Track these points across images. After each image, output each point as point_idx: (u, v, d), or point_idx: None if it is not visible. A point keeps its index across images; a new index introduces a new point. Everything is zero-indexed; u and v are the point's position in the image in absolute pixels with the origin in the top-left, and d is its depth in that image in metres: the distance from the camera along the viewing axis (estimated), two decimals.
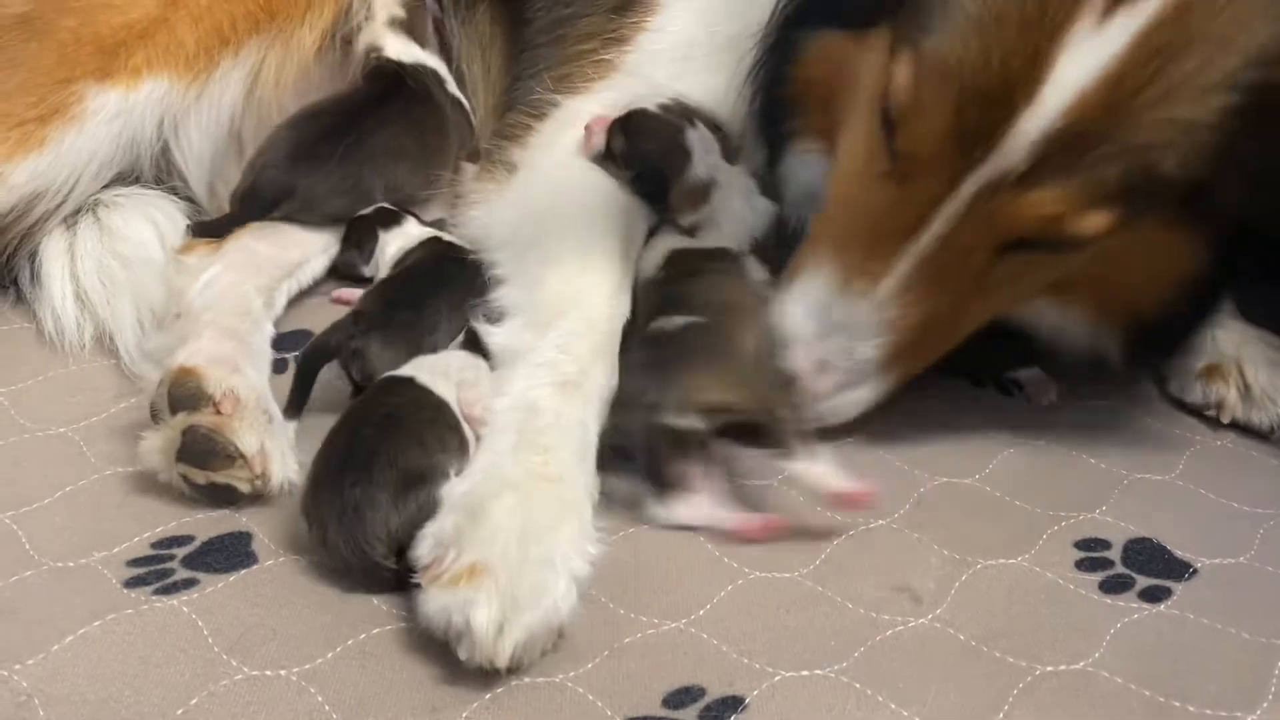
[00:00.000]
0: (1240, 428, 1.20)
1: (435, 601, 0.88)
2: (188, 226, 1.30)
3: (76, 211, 1.30)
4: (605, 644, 0.92)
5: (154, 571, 0.95)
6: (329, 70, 1.42)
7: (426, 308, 1.15)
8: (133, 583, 0.94)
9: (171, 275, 1.25)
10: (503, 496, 0.95)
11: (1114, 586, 1.00)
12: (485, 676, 0.87)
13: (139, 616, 0.91)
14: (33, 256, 1.29)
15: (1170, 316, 1.10)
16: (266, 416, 1.06)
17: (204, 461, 1.00)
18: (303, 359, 1.12)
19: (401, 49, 1.40)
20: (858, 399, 1.07)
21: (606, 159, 1.20)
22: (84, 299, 1.25)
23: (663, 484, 1.03)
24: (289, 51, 1.37)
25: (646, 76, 1.27)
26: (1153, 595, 0.99)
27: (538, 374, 1.06)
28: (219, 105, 1.34)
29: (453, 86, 1.43)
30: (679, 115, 1.20)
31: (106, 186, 1.33)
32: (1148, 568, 1.02)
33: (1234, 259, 1.07)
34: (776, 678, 0.90)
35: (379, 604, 0.94)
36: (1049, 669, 0.91)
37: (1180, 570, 1.02)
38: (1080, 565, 1.02)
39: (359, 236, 1.29)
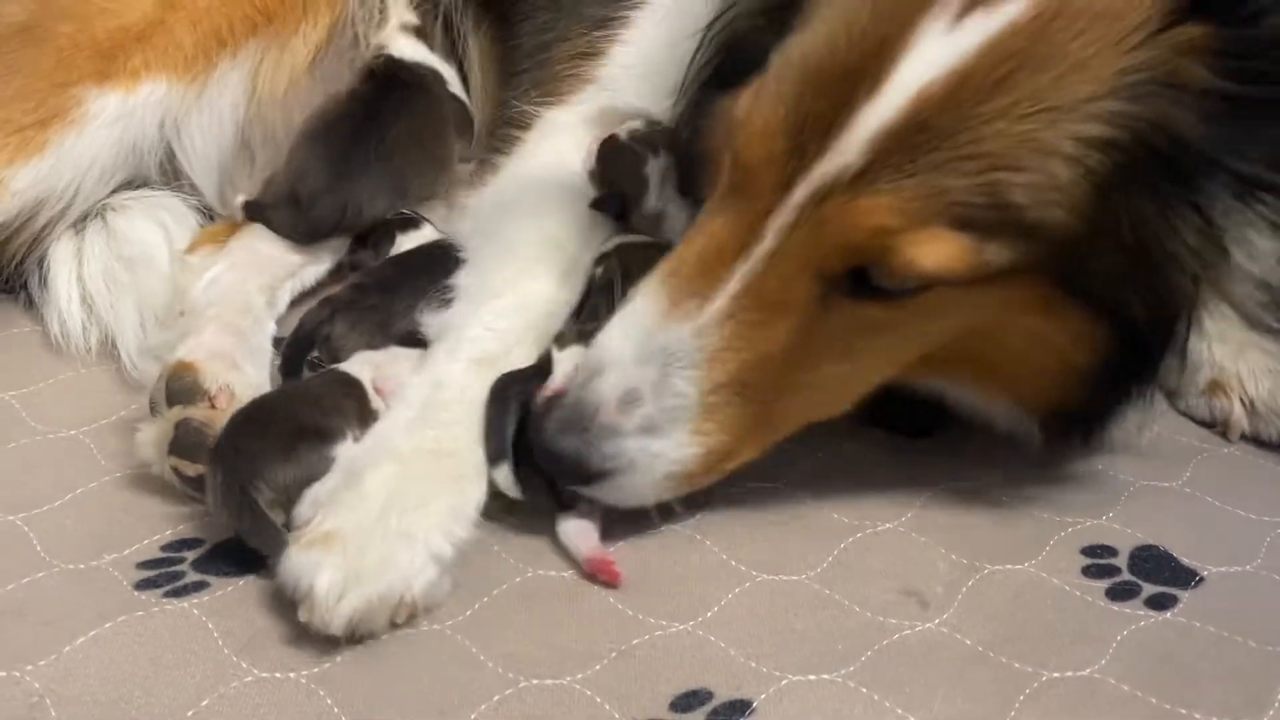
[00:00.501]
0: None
1: (290, 560, 0.90)
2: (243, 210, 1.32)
3: (85, 216, 1.32)
4: (612, 645, 0.92)
5: (164, 574, 0.96)
6: (328, 76, 1.43)
7: (397, 292, 1.17)
8: (143, 585, 0.95)
9: (177, 273, 1.27)
10: (382, 466, 0.96)
11: (1120, 593, 1.00)
12: (494, 679, 0.88)
13: (149, 618, 0.92)
14: (41, 261, 1.30)
15: (1088, 399, 1.02)
16: None
17: (194, 454, 1.01)
18: (285, 351, 1.16)
19: (409, 50, 1.43)
20: (659, 454, 0.95)
21: (590, 176, 1.24)
22: (89, 302, 1.27)
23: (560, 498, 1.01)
24: (286, 55, 1.39)
25: (618, 91, 1.29)
26: (1159, 603, 0.99)
27: (458, 349, 1.07)
28: (220, 106, 1.36)
29: (454, 87, 1.45)
30: (644, 144, 1.20)
31: (115, 191, 1.34)
32: (1154, 575, 1.02)
33: (1148, 346, 0.98)
34: (784, 681, 0.90)
35: None
36: (1055, 675, 0.91)
37: (1187, 578, 1.02)
38: (1087, 572, 1.02)
39: (377, 238, 1.31)
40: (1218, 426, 1.21)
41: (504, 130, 1.35)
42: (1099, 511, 1.09)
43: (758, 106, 0.92)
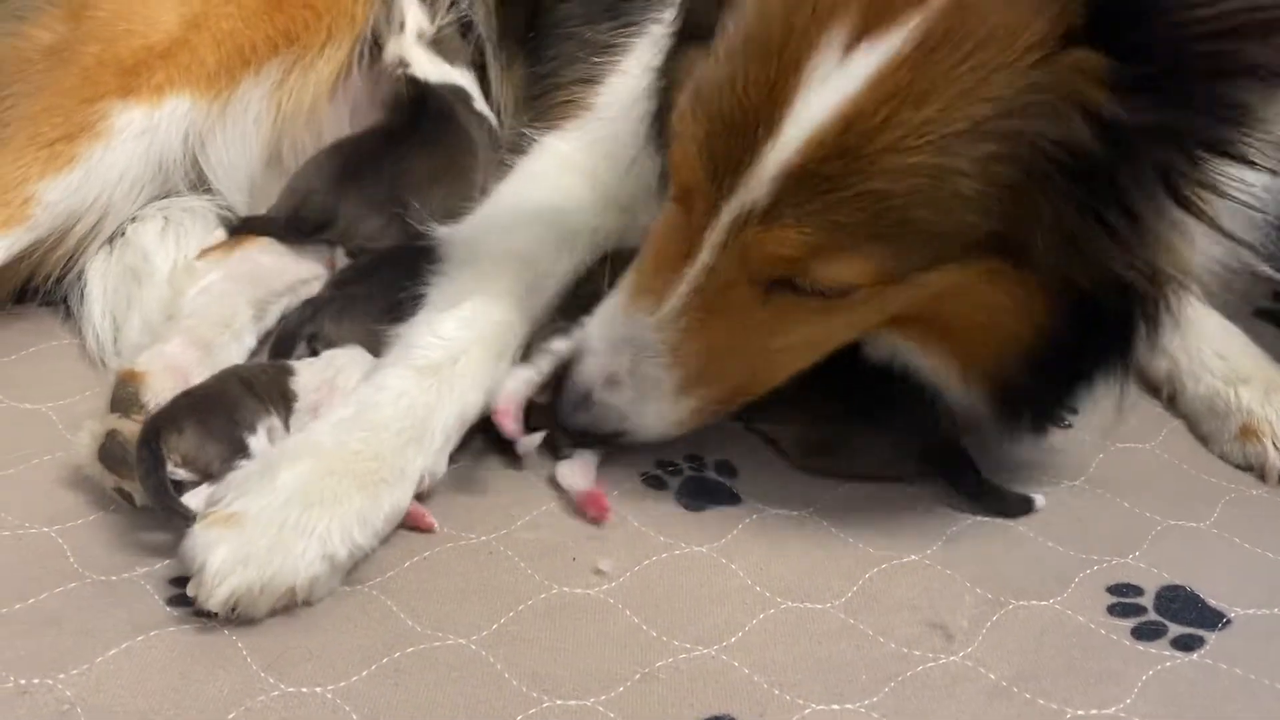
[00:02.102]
0: None
1: (192, 536, 0.95)
2: (229, 227, 1.34)
3: (120, 230, 1.34)
4: (636, 667, 0.92)
5: None
6: (353, 94, 1.46)
7: (373, 278, 1.21)
8: (175, 601, 0.96)
9: (179, 277, 1.30)
10: (301, 461, 1.00)
11: (1146, 633, 0.99)
12: (517, 697, 0.89)
13: (180, 633, 0.93)
14: (80, 275, 1.33)
15: (1036, 377, 1.03)
16: None
17: (116, 467, 1.03)
18: (271, 352, 1.19)
19: (430, 67, 1.44)
20: (657, 413, 1.05)
21: None
22: (114, 314, 1.30)
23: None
24: (310, 74, 1.41)
25: (614, 120, 1.30)
26: (1185, 644, 0.99)
27: (405, 356, 1.10)
28: (244, 122, 1.38)
29: (480, 104, 1.46)
30: None
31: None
32: (1181, 616, 1.01)
33: (1095, 319, 0.99)
34: (807, 710, 0.90)
35: (412, 624, 0.95)
36: (1080, 713, 0.91)
37: (1214, 620, 1.01)
38: (1112, 610, 1.01)
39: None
40: (1253, 471, 1.21)
41: (509, 157, 1.36)
42: (1125, 550, 1.08)
43: (684, 133, 0.96)
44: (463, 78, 1.46)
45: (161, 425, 1.01)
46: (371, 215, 1.32)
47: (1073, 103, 0.88)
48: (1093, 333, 1.00)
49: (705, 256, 0.97)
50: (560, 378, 1.07)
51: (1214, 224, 0.95)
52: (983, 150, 0.89)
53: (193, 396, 1.06)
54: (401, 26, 1.45)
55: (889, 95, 0.88)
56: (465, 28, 1.51)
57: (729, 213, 0.94)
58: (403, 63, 1.43)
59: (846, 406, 1.13)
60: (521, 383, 1.10)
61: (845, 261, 0.93)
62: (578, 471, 1.09)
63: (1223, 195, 0.93)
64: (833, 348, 1.06)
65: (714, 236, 0.96)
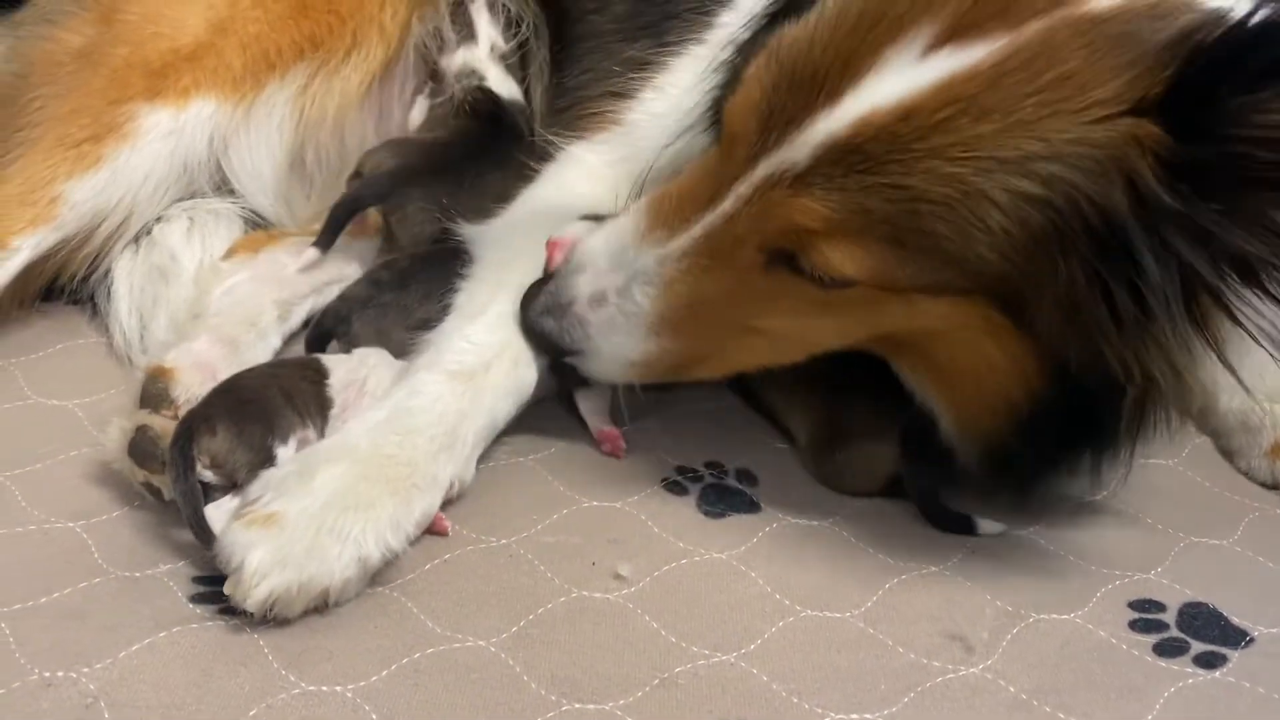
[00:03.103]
0: None
1: (230, 535, 0.95)
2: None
3: (146, 229, 1.36)
4: (656, 672, 0.92)
5: (218, 592, 0.96)
6: (384, 104, 1.47)
7: (409, 286, 1.21)
8: (198, 599, 0.97)
9: (204, 277, 1.31)
10: (337, 464, 1.00)
11: (1168, 650, 0.99)
12: (536, 700, 0.89)
13: (203, 630, 0.94)
14: (107, 273, 1.34)
15: (1024, 442, 1.02)
16: None
17: (146, 461, 1.04)
18: (307, 345, 1.21)
19: (505, 84, 1.45)
20: (618, 346, 1.06)
21: None
22: (140, 312, 1.31)
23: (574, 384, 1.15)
24: (336, 81, 1.42)
25: (642, 138, 1.30)
26: (1208, 661, 0.98)
27: (438, 361, 1.10)
28: (268, 126, 1.40)
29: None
30: None
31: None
32: (1203, 633, 1.01)
33: (1088, 405, 0.98)
34: (825, 718, 0.90)
35: (432, 626, 0.96)
36: None
37: (1237, 638, 1.01)
38: (1134, 626, 1.01)
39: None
40: None
41: (535, 163, 1.37)
42: (1148, 566, 1.08)
43: (751, 78, 0.97)
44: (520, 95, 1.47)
45: (196, 425, 1.01)
46: (422, 218, 1.32)
47: (1120, 168, 0.87)
48: (1084, 419, 0.99)
49: (728, 205, 0.98)
50: (545, 279, 1.10)
51: (1217, 349, 0.94)
52: (1021, 187, 0.89)
53: (231, 398, 1.06)
54: (474, 38, 1.45)
55: (952, 100, 0.89)
56: (522, 48, 1.52)
57: (765, 168, 0.95)
58: (475, 74, 1.44)
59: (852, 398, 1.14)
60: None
61: (853, 250, 0.93)
62: (595, 403, 1.14)
63: (1236, 323, 0.92)
64: (809, 351, 1.06)
65: (742, 188, 0.96)
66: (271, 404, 1.06)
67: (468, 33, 1.46)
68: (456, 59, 1.45)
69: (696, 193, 1.01)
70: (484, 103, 1.42)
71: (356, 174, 1.35)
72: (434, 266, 1.24)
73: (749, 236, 0.98)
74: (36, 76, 1.33)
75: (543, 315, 1.08)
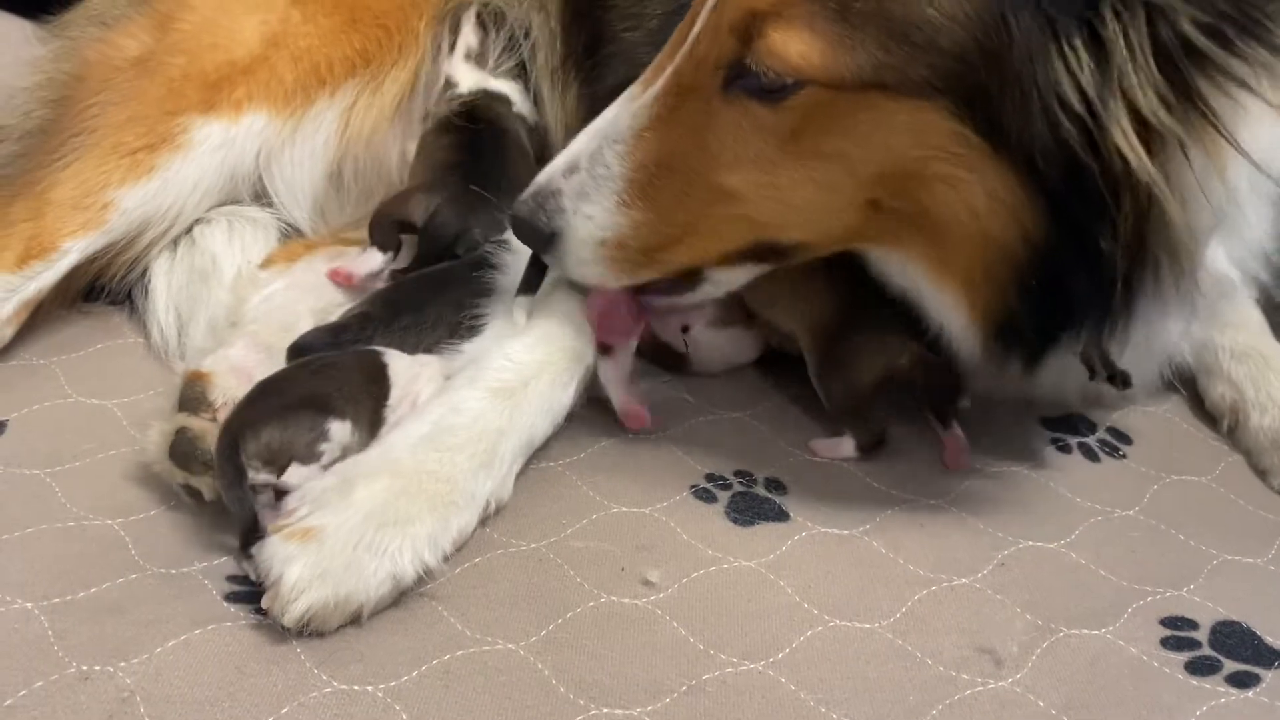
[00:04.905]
0: None
1: (270, 547, 0.95)
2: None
3: (186, 232, 1.38)
4: (683, 679, 0.93)
5: (253, 591, 0.98)
6: (412, 118, 1.48)
7: (427, 309, 1.21)
8: (232, 597, 0.98)
9: (242, 285, 1.33)
10: (378, 479, 1.00)
11: (1201, 668, 0.98)
12: (564, 704, 0.90)
13: (237, 629, 0.95)
14: (145, 273, 1.36)
15: (1026, 301, 1.01)
16: None
17: (186, 463, 1.05)
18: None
19: (473, 81, 1.46)
20: (591, 217, 1.06)
21: None
22: (178, 312, 1.33)
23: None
24: (378, 97, 1.44)
25: None
26: (1241, 681, 0.97)
27: (479, 378, 1.10)
28: (314, 142, 1.41)
29: (520, 105, 1.48)
30: None
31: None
32: (1236, 652, 1.00)
33: (1085, 240, 0.96)
34: None
35: (462, 629, 0.96)
36: None
37: (1270, 658, 0.99)
38: (1166, 643, 1.00)
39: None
40: None
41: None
42: (1180, 583, 1.07)
43: None
44: (502, 84, 1.48)
45: (240, 433, 1.00)
46: (450, 222, 1.31)
47: None
48: (1080, 262, 0.97)
49: (695, 29, 1.00)
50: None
51: (1212, 118, 0.91)
52: None
53: (268, 395, 1.05)
54: (452, 48, 1.47)
55: None
56: (510, 44, 1.53)
57: None
58: (450, 83, 1.46)
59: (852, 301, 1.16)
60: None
61: (799, 32, 0.93)
62: (614, 381, 1.14)
63: (1215, 116, 0.91)
64: (787, 219, 1.04)
65: (708, 5, 1.00)
66: (312, 388, 1.05)
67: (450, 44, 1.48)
68: (443, 72, 1.47)
69: (675, 38, 1.04)
70: (466, 113, 1.42)
71: (402, 224, 1.33)
72: (451, 289, 1.22)
73: (710, 51, 1.00)
74: (93, 81, 1.36)
75: (522, 203, 1.09)
